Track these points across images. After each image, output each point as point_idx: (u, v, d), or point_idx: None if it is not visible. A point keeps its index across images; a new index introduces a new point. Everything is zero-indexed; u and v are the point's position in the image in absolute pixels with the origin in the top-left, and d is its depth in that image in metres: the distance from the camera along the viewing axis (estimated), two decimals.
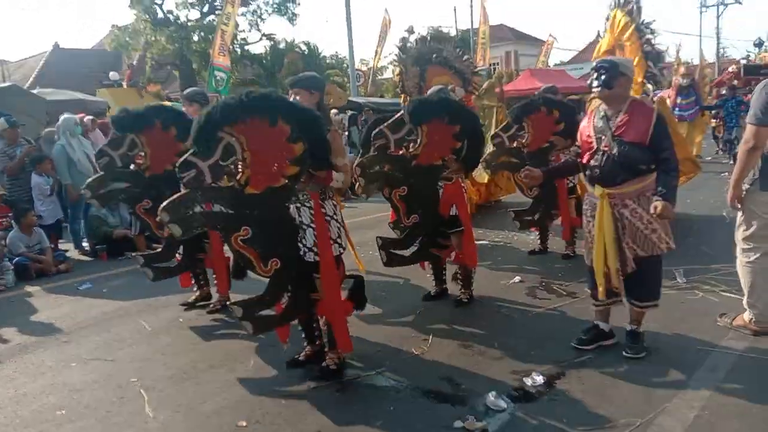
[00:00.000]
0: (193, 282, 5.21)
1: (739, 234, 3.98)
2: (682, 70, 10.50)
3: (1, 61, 26.58)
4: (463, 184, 4.72)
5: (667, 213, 3.39)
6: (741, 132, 8.58)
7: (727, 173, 8.85)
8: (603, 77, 3.55)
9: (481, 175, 7.69)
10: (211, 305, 5.08)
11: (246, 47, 26.24)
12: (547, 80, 19.54)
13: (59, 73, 23.13)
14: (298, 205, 3.51)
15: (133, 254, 5.22)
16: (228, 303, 3.49)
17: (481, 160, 5.00)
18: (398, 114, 4.50)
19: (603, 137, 3.59)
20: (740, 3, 38.19)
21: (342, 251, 3.68)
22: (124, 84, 19.06)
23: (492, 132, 6.52)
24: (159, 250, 5.10)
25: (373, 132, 4.49)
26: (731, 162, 6.82)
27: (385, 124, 4.48)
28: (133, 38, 23.98)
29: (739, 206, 3.92)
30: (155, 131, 4.73)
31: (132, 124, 4.69)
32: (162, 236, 4.90)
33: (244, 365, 3.97)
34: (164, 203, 3.07)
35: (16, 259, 6.58)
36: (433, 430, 3.05)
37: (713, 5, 39.30)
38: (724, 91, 14.51)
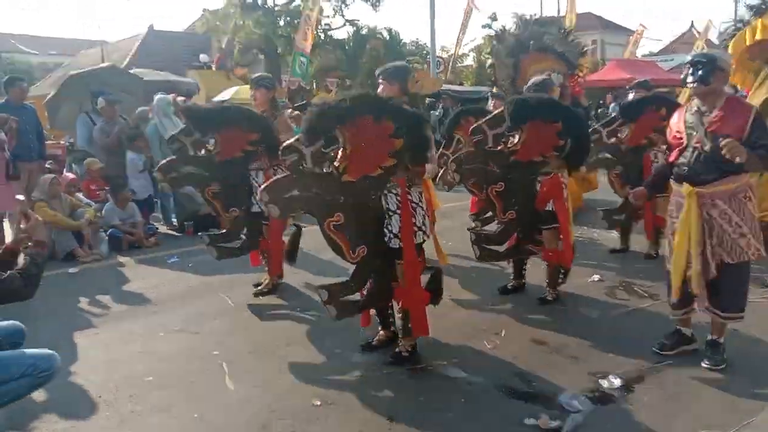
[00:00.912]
0: (263, 262, 5.33)
1: None
2: None
3: (101, 42, 28.05)
4: (563, 179, 4.58)
5: (735, 150, 3.11)
6: None
7: None
8: (700, 72, 3.38)
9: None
10: (261, 287, 5.20)
11: (329, 33, 26.54)
12: (634, 71, 18.84)
13: (153, 54, 24.15)
14: (385, 191, 3.58)
15: (201, 234, 5.37)
16: (317, 287, 3.60)
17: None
18: (497, 110, 4.46)
19: (694, 133, 3.44)
20: None
21: (426, 239, 3.73)
22: (213, 67, 19.73)
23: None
24: (224, 231, 5.19)
25: (472, 128, 4.44)
26: None
27: (485, 119, 4.44)
28: (222, 22, 24.71)
29: None
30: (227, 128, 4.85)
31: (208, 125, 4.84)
32: (226, 218, 5.03)
33: (319, 345, 4.09)
34: (265, 184, 3.22)
35: (111, 230, 7.01)
36: (504, 425, 3.05)
37: None
38: None
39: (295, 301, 5.04)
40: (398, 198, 3.57)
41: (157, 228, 7.85)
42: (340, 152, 3.35)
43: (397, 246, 3.59)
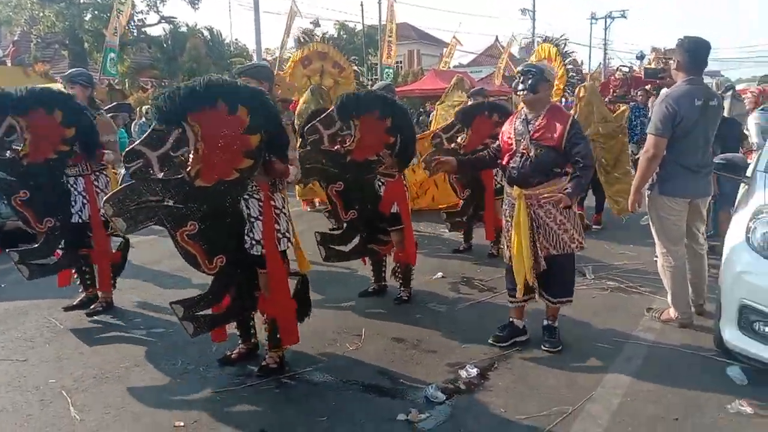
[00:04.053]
0: (76, 280, 4.81)
1: (656, 238, 4.31)
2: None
3: None
4: (405, 182, 4.77)
5: (564, 202, 3.59)
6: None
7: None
8: (530, 81, 3.68)
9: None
10: (93, 306, 4.73)
11: (144, 29, 24.93)
12: (450, 81, 20.14)
13: None
14: (247, 196, 3.43)
15: (8, 250, 4.56)
16: (171, 303, 3.32)
17: (421, 160, 5.06)
18: (330, 109, 4.49)
19: (522, 140, 3.74)
20: (625, 17, 41.11)
21: (289, 246, 3.63)
22: (8, 62, 17.54)
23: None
24: (36, 245, 4.57)
25: (306, 128, 4.46)
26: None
27: (318, 119, 4.47)
28: (16, 12, 22.09)
29: (639, 208, 4.24)
30: (38, 115, 4.25)
31: (12, 106, 4.19)
32: (39, 231, 4.45)
33: (170, 363, 3.83)
34: (108, 195, 2.91)
35: None
36: (377, 424, 3.09)
37: (602, 18, 42.14)
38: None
39: (133, 318, 4.66)
40: (261, 203, 3.45)
41: None
42: (191, 156, 3.13)
43: (260, 254, 3.47)
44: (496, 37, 41.71)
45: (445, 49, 29.40)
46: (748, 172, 4.21)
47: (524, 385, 3.47)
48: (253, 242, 3.45)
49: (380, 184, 4.76)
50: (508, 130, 3.89)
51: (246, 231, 3.44)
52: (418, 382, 3.49)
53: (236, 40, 32.65)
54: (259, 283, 3.55)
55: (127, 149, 3.03)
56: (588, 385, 3.44)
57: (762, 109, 6.37)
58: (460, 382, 3.52)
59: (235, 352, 3.83)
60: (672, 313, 4.25)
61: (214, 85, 3.07)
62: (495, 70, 26.61)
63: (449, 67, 27.24)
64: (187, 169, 3.12)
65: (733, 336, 3.36)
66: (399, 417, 3.13)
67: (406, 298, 4.89)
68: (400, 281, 4.93)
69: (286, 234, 3.57)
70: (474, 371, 3.61)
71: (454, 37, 29.55)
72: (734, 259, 3.43)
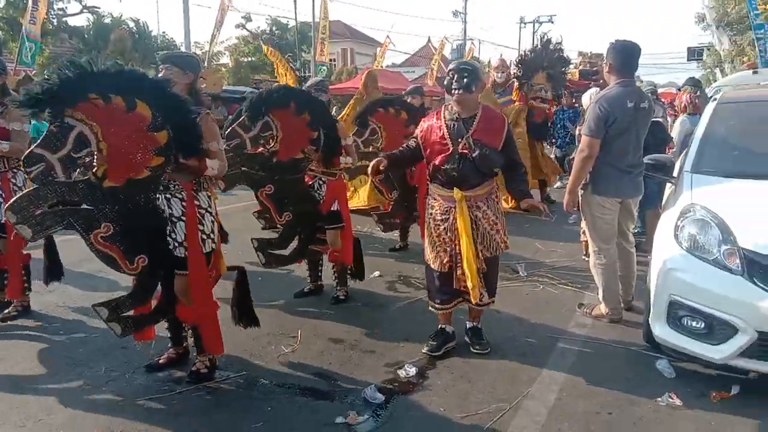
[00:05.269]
0: None
1: (588, 237, 4.40)
2: (496, 63, 9.39)
3: None
4: (346, 180, 4.66)
5: (536, 206, 3.71)
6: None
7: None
8: (465, 80, 3.58)
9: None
10: (6, 312, 4.42)
11: (65, 19, 23.74)
12: (386, 80, 20.19)
13: None
14: (168, 196, 3.25)
15: None
16: (93, 305, 3.11)
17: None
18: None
19: (460, 140, 3.63)
20: (552, 22, 42.42)
21: (215, 247, 3.46)
22: None
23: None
24: None
25: (227, 132, 4.30)
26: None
27: (237, 122, 4.32)
28: None
29: (575, 210, 4.34)
30: None
31: None
32: None
33: (94, 370, 3.60)
34: (10, 201, 2.69)
35: None
36: (315, 428, 3.01)
37: (530, 22, 43.31)
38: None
39: (52, 323, 4.37)
40: (184, 203, 3.28)
41: None
42: (95, 156, 2.93)
43: (183, 255, 3.29)
44: (429, 38, 42.07)
45: (378, 49, 29.44)
46: (675, 173, 4.37)
47: (463, 383, 3.46)
48: (176, 244, 3.28)
49: (321, 182, 4.67)
50: (437, 130, 3.69)
51: (168, 232, 3.26)
52: (356, 384, 3.43)
53: (164, 33, 31.72)
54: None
55: (25, 153, 2.82)
56: (525, 381, 3.47)
57: (689, 114, 6.66)
58: (399, 382, 3.48)
59: (163, 357, 3.64)
60: (603, 309, 4.36)
61: (106, 75, 2.85)
62: (428, 70, 26.88)
63: (382, 67, 27.31)
64: (93, 170, 2.94)
65: (662, 331, 3.46)
66: (337, 420, 3.05)
67: (343, 297, 4.81)
68: (337, 281, 4.85)
69: (211, 235, 3.40)
70: (413, 370, 3.58)
71: (387, 37, 29.67)
72: (663, 256, 3.54)
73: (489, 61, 21.83)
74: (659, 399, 3.22)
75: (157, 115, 3.02)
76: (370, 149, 5.77)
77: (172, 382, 3.45)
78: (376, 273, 5.57)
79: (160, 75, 3.38)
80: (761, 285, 3.12)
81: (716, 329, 3.23)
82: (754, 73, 9.82)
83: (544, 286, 5.23)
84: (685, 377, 3.46)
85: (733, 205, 3.52)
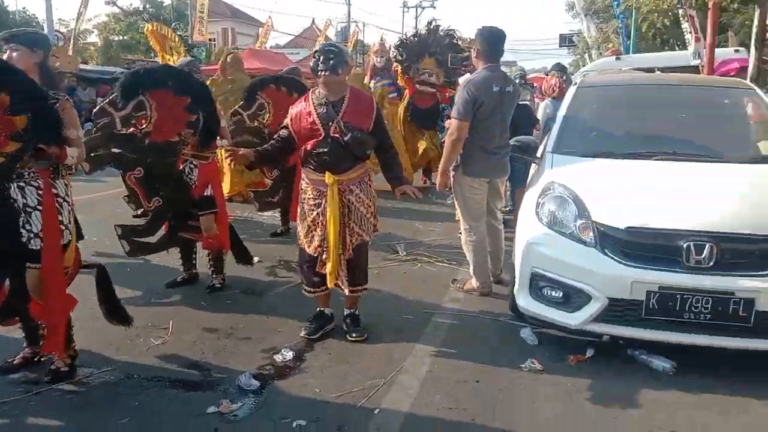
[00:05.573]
0: None
1: (459, 216, 4.56)
2: (376, 47, 9.46)
3: None
4: (219, 164, 4.49)
5: (413, 191, 3.75)
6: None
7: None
8: (331, 62, 3.53)
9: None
10: None
11: None
12: (269, 61, 19.75)
13: None
14: (22, 184, 3.00)
15: None
16: None
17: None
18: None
19: (331, 124, 3.58)
20: (434, 7, 43.43)
21: (71, 239, 3.23)
22: None
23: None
24: None
25: (95, 111, 4.03)
26: None
27: (107, 100, 4.06)
28: None
29: (448, 191, 4.50)
30: None
31: None
32: None
33: None
34: None
35: None
36: (186, 419, 2.92)
37: (413, 6, 44.03)
38: None
39: None
40: (40, 192, 3.04)
41: None
42: None
43: (39, 247, 3.06)
44: (313, 19, 41.65)
45: (260, 29, 28.74)
46: (539, 153, 4.62)
47: (341, 364, 3.49)
48: (31, 235, 3.04)
49: (192, 167, 4.48)
50: (307, 116, 3.62)
51: (22, 223, 3.02)
52: (231, 372, 3.36)
53: (24, 9, 29.04)
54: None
55: None
56: (400, 357, 3.56)
57: (553, 99, 7.07)
58: (275, 367, 3.45)
59: (18, 357, 3.37)
60: (474, 283, 4.57)
61: None
62: (312, 52, 26.56)
63: (265, 47, 26.69)
64: None
65: (526, 301, 3.67)
66: (209, 410, 2.97)
67: (219, 285, 4.67)
68: (212, 269, 4.70)
69: (69, 225, 3.19)
70: (290, 354, 3.56)
71: (269, 17, 28.99)
72: (525, 231, 3.74)
73: (373, 44, 21.96)
74: (522, 365, 3.42)
75: (15, 99, 2.79)
76: (255, 124, 5.64)
77: (29, 383, 3.21)
78: (256, 259, 5.41)
79: (5, 56, 3.11)
80: (612, 256, 3.38)
81: (573, 297, 3.47)
82: (617, 59, 10.61)
83: (422, 264, 5.38)
84: (546, 344, 3.70)
85: (589, 182, 3.77)
